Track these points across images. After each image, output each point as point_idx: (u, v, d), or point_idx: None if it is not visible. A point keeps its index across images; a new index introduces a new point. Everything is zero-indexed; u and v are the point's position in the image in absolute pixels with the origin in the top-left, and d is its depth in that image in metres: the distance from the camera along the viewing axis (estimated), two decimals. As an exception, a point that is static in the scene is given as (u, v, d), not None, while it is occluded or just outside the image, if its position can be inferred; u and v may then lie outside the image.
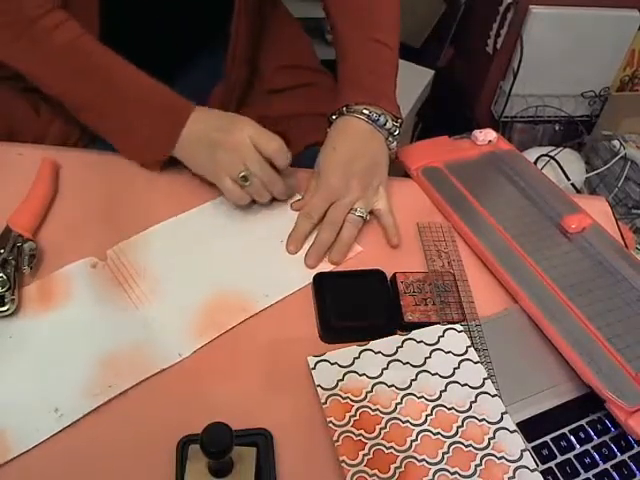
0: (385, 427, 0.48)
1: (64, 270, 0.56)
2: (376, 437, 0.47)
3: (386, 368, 0.51)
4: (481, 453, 0.47)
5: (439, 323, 0.55)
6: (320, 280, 0.58)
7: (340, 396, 0.49)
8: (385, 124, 0.65)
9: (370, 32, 0.67)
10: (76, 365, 0.50)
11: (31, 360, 0.50)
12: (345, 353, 0.52)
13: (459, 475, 0.45)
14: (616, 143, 1.54)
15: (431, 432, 0.48)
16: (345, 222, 0.62)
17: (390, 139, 0.67)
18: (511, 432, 0.48)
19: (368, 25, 0.68)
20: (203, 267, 0.58)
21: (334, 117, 0.67)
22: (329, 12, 0.71)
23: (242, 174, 0.58)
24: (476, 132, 0.76)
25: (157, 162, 0.64)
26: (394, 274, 0.59)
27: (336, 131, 0.65)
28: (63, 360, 0.50)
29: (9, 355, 0.50)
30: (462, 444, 0.47)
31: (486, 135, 0.75)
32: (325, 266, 0.60)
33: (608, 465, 0.48)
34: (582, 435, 0.50)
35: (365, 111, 0.64)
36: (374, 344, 0.53)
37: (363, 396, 0.49)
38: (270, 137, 0.59)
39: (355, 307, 0.56)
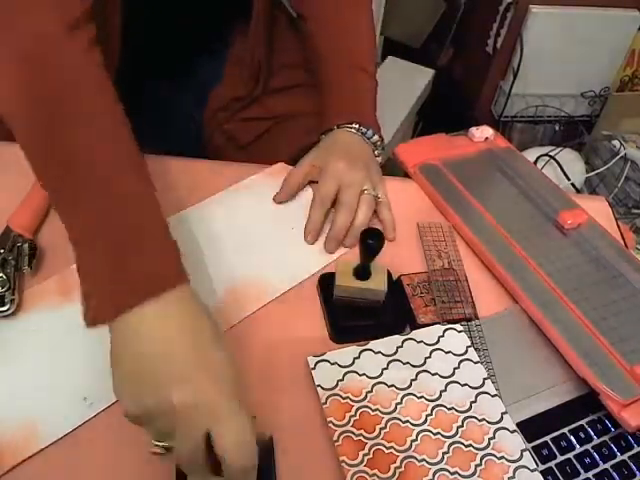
0: (385, 427, 0.48)
1: None
2: (376, 437, 0.47)
3: (386, 368, 0.51)
4: (481, 453, 0.47)
5: (440, 323, 0.55)
6: (325, 280, 0.58)
7: (340, 396, 0.49)
8: (372, 137, 0.68)
9: (354, 61, 0.71)
10: (102, 356, 0.49)
11: (56, 352, 0.51)
12: (345, 353, 0.52)
13: (459, 475, 0.45)
14: (616, 143, 1.55)
15: (431, 432, 0.48)
16: (359, 204, 0.62)
17: (376, 152, 0.69)
18: (511, 432, 0.48)
19: (353, 54, 0.71)
20: (215, 258, 0.59)
21: (324, 136, 0.69)
22: (314, 41, 0.73)
23: (159, 445, 0.40)
24: (473, 129, 0.76)
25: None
26: (399, 277, 0.59)
27: (329, 140, 0.68)
28: (89, 351, 0.51)
29: (34, 348, 0.51)
30: (462, 444, 0.47)
31: (483, 132, 0.76)
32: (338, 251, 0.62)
33: (608, 465, 0.48)
34: (582, 435, 0.50)
35: (355, 125, 0.67)
36: (374, 344, 0.53)
37: (363, 396, 0.49)
38: (239, 438, 0.37)
39: (364, 306, 0.56)
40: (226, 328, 0.54)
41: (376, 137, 0.68)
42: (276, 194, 0.66)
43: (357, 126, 0.67)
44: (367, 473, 0.45)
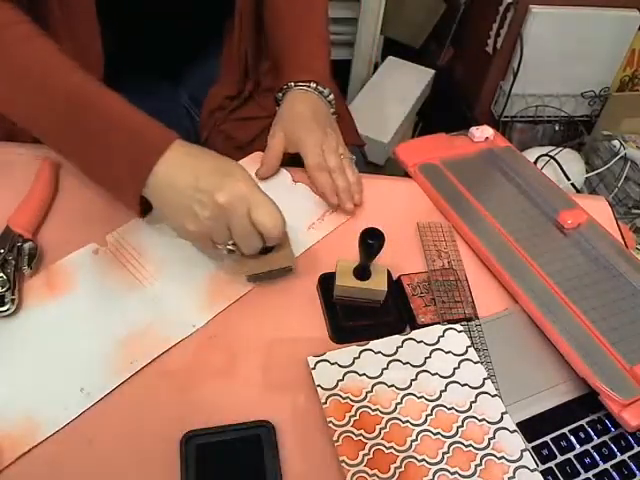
0: (385, 427, 0.48)
1: (67, 259, 0.57)
2: (376, 437, 0.47)
3: (386, 368, 0.51)
4: (481, 453, 0.47)
5: (440, 323, 0.55)
6: (325, 280, 0.58)
7: (340, 396, 0.49)
8: (328, 96, 0.71)
9: (316, 30, 0.75)
10: (96, 346, 0.52)
11: (51, 345, 0.51)
12: (345, 353, 0.52)
13: (459, 475, 0.45)
14: (616, 143, 1.54)
15: (431, 432, 0.48)
16: (345, 168, 0.66)
17: (331, 110, 0.72)
18: (511, 432, 0.48)
19: (314, 24, 0.76)
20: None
21: (280, 94, 0.71)
22: (276, 13, 0.75)
23: (228, 247, 0.53)
24: (473, 129, 0.76)
25: (134, 204, 0.54)
26: (399, 277, 0.59)
27: (289, 106, 0.69)
28: (82, 344, 0.52)
29: (29, 342, 0.51)
30: (462, 444, 0.47)
31: (483, 132, 0.76)
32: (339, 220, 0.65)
33: (608, 465, 0.48)
34: (582, 435, 0.50)
35: (312, 85, 0.70)
36: (374, 344, 0.53)
37: (363, 396, 0.49)
38: (270, 213, 0.51)
39: (364, 306, 0.56)
40: (213, 314, 0.55)
41: (331, 96, 0.71)
42: (258, 169, 0.67)
43: (315, 85, 0.69)
44: (367, 473, 0.45)
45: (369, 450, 0.46)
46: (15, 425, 0.46)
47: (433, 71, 1.64)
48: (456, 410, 0.49)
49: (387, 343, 0.53)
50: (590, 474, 0.48)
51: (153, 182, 0.51)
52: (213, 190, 0.49)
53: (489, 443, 0.47)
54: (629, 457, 0.49)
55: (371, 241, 0.50)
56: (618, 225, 0.69)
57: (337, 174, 0.65)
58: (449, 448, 0.47)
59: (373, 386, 0.50)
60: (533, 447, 0.49)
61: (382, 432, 0.47)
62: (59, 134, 0.54)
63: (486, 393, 0.50)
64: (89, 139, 0.52)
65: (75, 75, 0.53)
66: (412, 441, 0.47)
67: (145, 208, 0.56)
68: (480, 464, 0.46)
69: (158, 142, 0.51)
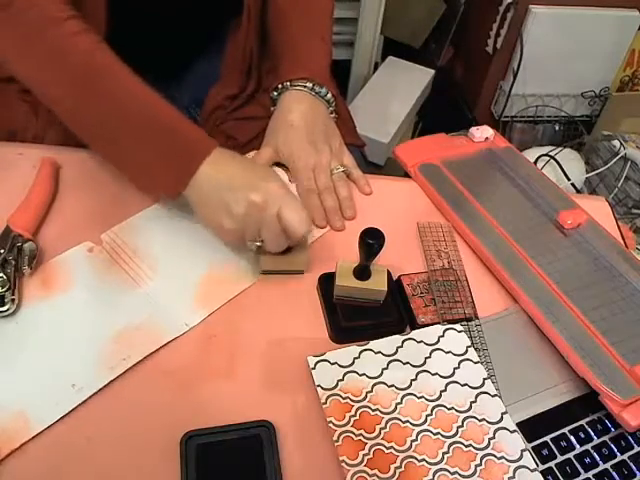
0: (385, 427, 0.48)
1: (62, 257, 0.57)
2: (376, 437, 0.47)
3: (386, 368, 0.51)
4: (481, 453, 0.47)
5: (440, 323, 0.55)
6: (325, 280, 0.58)
7: (340, 396, 0.49)
8: (326, 95, 0.70)
9: (317, 31, 0.75)
10: (88, 344, 0.52)
11: (44, 344, 0.52)
12: (345, 353, 0.52)
13: (459, 475, 0.45)
14: (616, 143, 1.54)
15: (431, 432, 0.48)
16: (335, 183, 0.67)
17: (330, 109, 0.72)
18: (511, 432, 0.48)
19: (316, 25, 0.76)
20: (197, 244, 0.61)
21: (276, 93, 0.71)
22: (279, 14, 0.75)
23: (255, 244, 0.56)
24: (473, 129, 0.76)
25: (171, 198, 0.59)
26: (399, 277, 0.59)
27: (284, 106, 0.69)
28: (75, 341, 0.52)
29: (18, 342, 0.52)
30: (462, 444, 0.47)
31: (483, 132, 0.76)
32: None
33: (608, 465, 0.48)
34: (582, 435, 0.50)
35: (309, 84, 0.69)
36: (374, 344, 0.53)
37: (363, 396, 0.49)
38: (299, 214, 0.54)
39: (364, 306, 0.56)
40: (207, 314, 0.55)
41: (329, 95, 0.70)
42: None
43: (311, 85, 0.69)
44: (367, 473, 0.45)
45: (369, 450, 0.46)
46: (9, 420, 0.46)
47: (433, 71, 1.64)
48: (456, 410, 0.49)
49: (387, 343, 0.53)
50: (590, 474, 0.48)
51: (194, 182, 0.55)
52: (248, 190, 0.53)
53: (489, 443, 0.47)
54: (629, 457, 0.49)
55: (371, 241, 0.50)
56: (618, 225, 0.69)
57: (326, 194, 0.65)
58: (449, 448, 0.47)
59: (373, 386, 0.50)
60: (533, 447, 0.49)
61: (382, 432, 0.47)
62: (103, 132, 0.57)
63: (486, 393, 0.50)
64: (133, 138, 0.56)
65: (119, 73, 0.56)
66: (412, 441, 0.47)
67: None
68: (480, 464, 0.46)
69: (203, 146, 0.56)
